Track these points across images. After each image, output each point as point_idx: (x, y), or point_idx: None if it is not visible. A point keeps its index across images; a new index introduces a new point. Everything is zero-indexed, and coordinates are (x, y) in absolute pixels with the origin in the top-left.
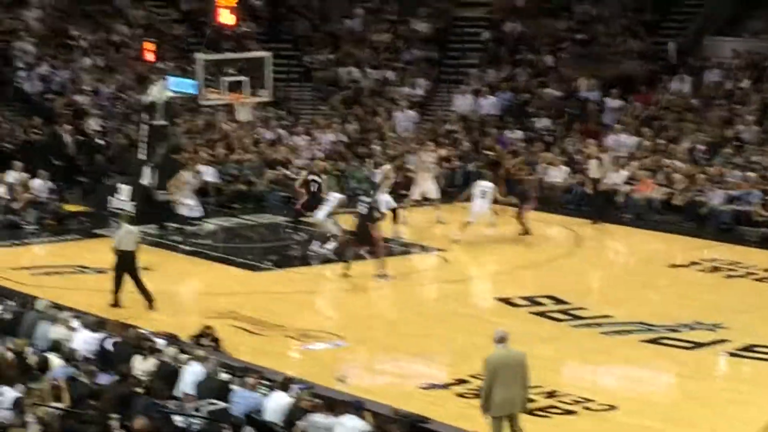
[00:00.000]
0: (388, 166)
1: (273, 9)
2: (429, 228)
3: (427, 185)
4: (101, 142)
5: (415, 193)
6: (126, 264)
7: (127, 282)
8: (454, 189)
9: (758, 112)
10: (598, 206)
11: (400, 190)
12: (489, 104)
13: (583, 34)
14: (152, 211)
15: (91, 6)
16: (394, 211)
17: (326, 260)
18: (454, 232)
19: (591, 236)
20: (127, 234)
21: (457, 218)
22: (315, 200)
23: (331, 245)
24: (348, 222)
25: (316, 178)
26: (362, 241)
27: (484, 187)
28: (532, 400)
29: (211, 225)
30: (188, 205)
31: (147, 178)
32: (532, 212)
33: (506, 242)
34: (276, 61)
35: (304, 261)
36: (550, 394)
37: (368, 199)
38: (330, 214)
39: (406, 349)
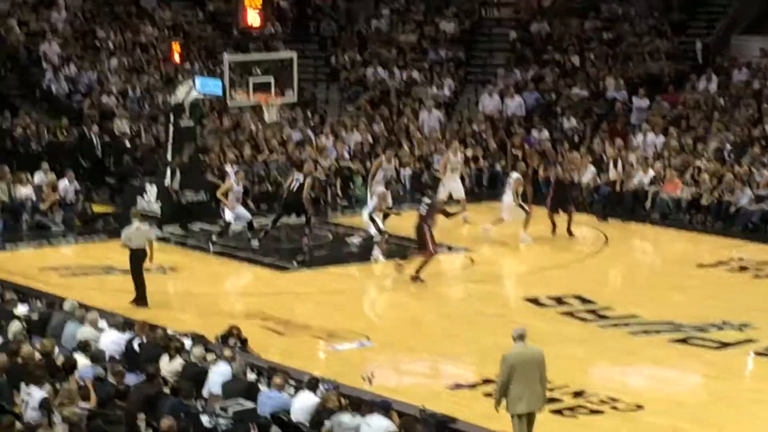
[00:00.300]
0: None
1: (300, 10)
2: (455, 228)
3: (453, 185)
4: (128, 143)
5: (442, 194)
6: (137, 261)
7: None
8: (481, 189)
9: None
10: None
11: (427, 190)
12: (515, 104)
13: (610, 34)
14: (174, 212)
15: (118, 7)
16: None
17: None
18: (486, 224)
19: (618, 236)
20: (136, 231)
21: (483, 219)
22: (295, 199)
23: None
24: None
25: (299, 177)
26: (418, 243)
27: (510, 178)
28: (557, 400)
29: (238, 226)
30: (236, 212)
31: (168, 179)
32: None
33: (533, 242)
34: (302, 61)
35: (331, 261)
36: (577, 394)
37: (428, 200)
38: (371, 214)
39: (432, 349)
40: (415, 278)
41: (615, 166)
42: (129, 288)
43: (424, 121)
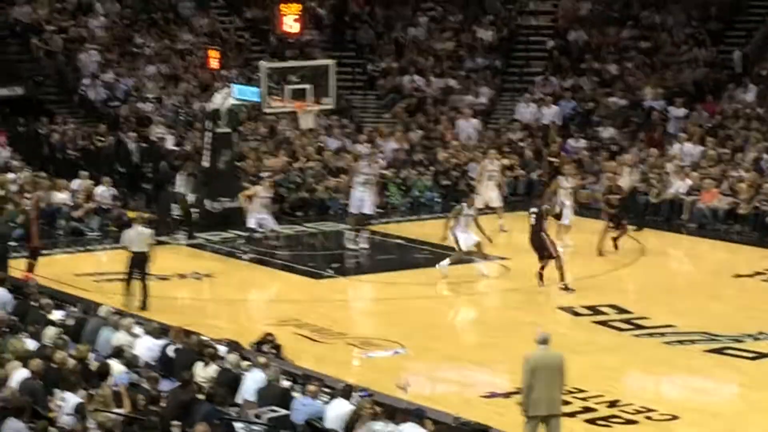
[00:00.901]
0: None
1: (337, 17)
2: (492, 236)
3: (490, 194)
4: (165, 149)
5: (479, 202)
6: (137, 264)
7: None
8: (517, 197)
9: None
10: (630, 212)
11: (463, 198)
12: (552, 113)
13: (648, 43)
14: (183, 220)
15: (155, 14)
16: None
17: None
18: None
19: (655, 245)
20: (138, 235)
21: (520, 226)
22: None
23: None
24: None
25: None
26: (540, 253)
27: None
28: (592, 409)
29: (273, 233)
30: (259, 217)
31: (181, 186)
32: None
33: (570, 251)
34: (340, 69)
35: (367, 268)
36: (612, 404)
37: (535, 209)
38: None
39: (467, 358)
40: (565, 288)
41: (630, 173)
42: (164, 294)
43: (461, 128)
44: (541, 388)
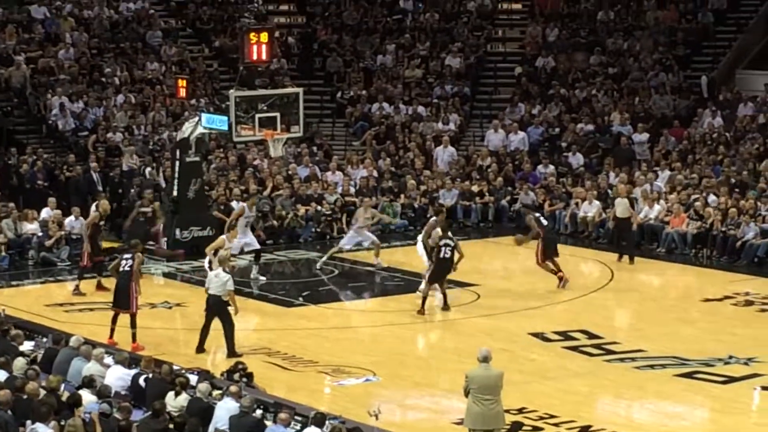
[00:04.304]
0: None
1: (305, 45)
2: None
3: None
4: (134, 179)
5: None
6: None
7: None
8: (487, 224)
9: None
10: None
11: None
12: (520, 139)
13: (616, 69)
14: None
15: (124, 43)
16: None
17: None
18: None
19: (624, 270)
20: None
21: (491, 252)
22: (143, 231)
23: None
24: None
25: (146, 209)
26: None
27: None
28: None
29: (243, 261)
30: (244, 241)
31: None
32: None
33: (539, 277)
34: (308, 97)
35: (336, 297)
36: (584, 429)
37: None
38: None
39: (438, 385)
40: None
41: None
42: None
43: (438, 156)
44: (481, 404)
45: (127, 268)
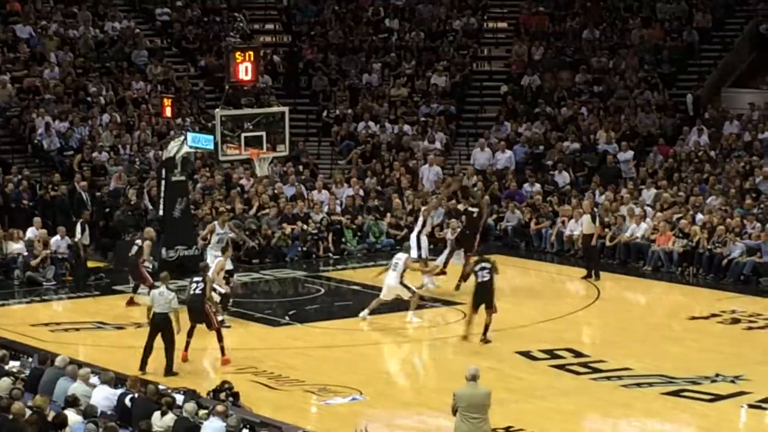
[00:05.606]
0: None
1: (291, 64)
2: (450, 281)
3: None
4: (120, 198)
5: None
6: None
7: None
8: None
9: None
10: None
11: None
12: (506, 158)
13: (601, 87)
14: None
15: (109, 63)
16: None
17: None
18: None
19: (611, 289)
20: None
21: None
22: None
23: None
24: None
25: (139, 242)
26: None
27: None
28: None
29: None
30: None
31: (78, 234)
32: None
33: (525, 295)
34: (294, 116)
35: (323, 316)
36: None
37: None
38: (401, 278)
39: (425, 403)
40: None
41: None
42: (121, 343)
43: (423, 174)
44: (469, 422)
45: (198, 291)
